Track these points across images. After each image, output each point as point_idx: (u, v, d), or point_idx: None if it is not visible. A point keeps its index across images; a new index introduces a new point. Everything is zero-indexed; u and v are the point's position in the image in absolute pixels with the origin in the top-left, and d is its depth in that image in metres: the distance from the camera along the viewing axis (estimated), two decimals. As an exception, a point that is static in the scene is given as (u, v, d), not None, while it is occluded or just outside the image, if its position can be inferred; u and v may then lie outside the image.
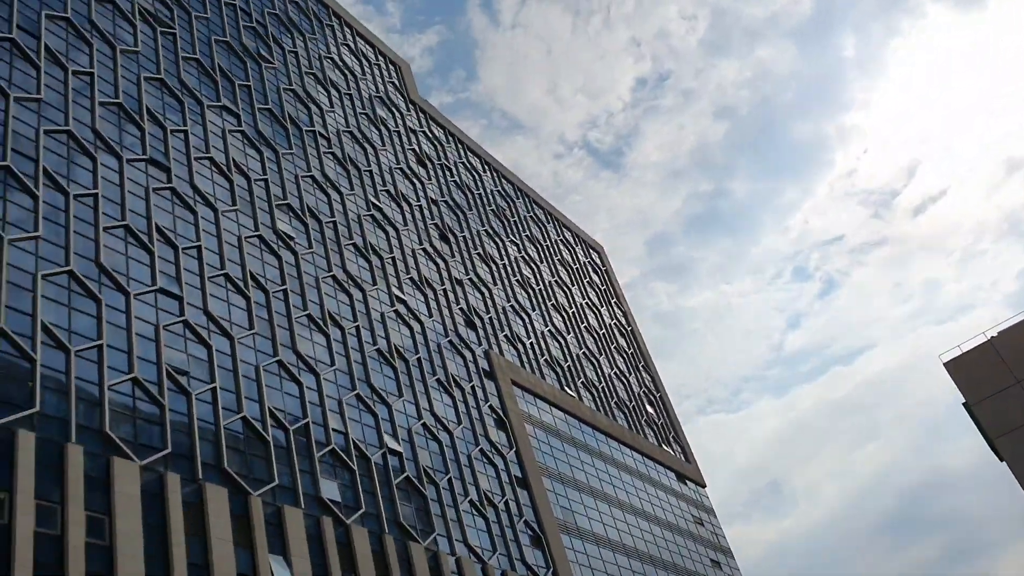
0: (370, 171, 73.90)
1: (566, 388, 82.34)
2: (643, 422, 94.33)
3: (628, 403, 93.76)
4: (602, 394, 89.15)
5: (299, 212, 60.53)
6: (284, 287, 53.66)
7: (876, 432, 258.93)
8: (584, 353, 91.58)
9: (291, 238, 57.70)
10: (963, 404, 18.04)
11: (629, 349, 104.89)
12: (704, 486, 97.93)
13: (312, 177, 64.97)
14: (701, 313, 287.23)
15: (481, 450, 62.48)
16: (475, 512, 57.35)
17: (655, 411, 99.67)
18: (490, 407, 67.32)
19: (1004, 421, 16.96)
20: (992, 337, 17.88)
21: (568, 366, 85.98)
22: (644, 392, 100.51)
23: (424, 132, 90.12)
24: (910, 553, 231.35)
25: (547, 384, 78.73)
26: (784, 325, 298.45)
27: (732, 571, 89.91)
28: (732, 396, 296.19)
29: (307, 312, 54.12)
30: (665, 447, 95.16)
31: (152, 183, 49.17)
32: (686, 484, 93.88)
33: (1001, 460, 17.12)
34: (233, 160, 57.51)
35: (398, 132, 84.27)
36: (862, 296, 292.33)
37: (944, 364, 18.14)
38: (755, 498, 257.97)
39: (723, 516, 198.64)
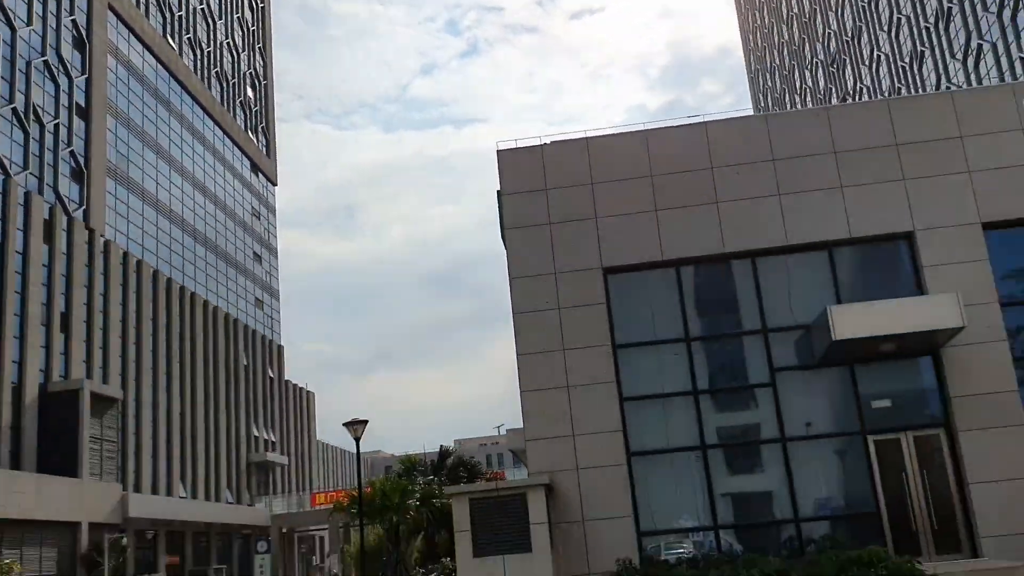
0: None
1: (169, 37, 75.54)
2: (239, 102, 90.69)
3: (230, 77, 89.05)
4: (206, 58, 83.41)
5: None
6: None
7: (457, 198, 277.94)
8: (203, 9, 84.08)
9: None
10: (497, 192, 19.66)
11: (253, 25, 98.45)
12: (275, 184, 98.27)
13: None
14: (348, 23, 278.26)
15: (46, 62, 55.69)
16: (15, 123, 51.74)
17: (255, 96, 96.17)
18: (73, 22, 59.68)
19: (518, 217, 18.83)
20: (545, 144, 19.42)
21: (180, 15, 78.54)
22: (252, 73, 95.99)
23: None
24: (445, 308, 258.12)
25: (150, 24, 71.50)
26: (418, 68, 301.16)
27: (271, 268, 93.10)
28: (344, 115, 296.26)
29: None
30: (251, 134, 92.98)
31: None
32: (258, 176, 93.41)
33: (505, 248, 19.13)
34: None
35: None
36: (497, 72, 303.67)
37: (498, 151, 19.46)
38: (328, 216, 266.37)
39: (289, 220, 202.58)
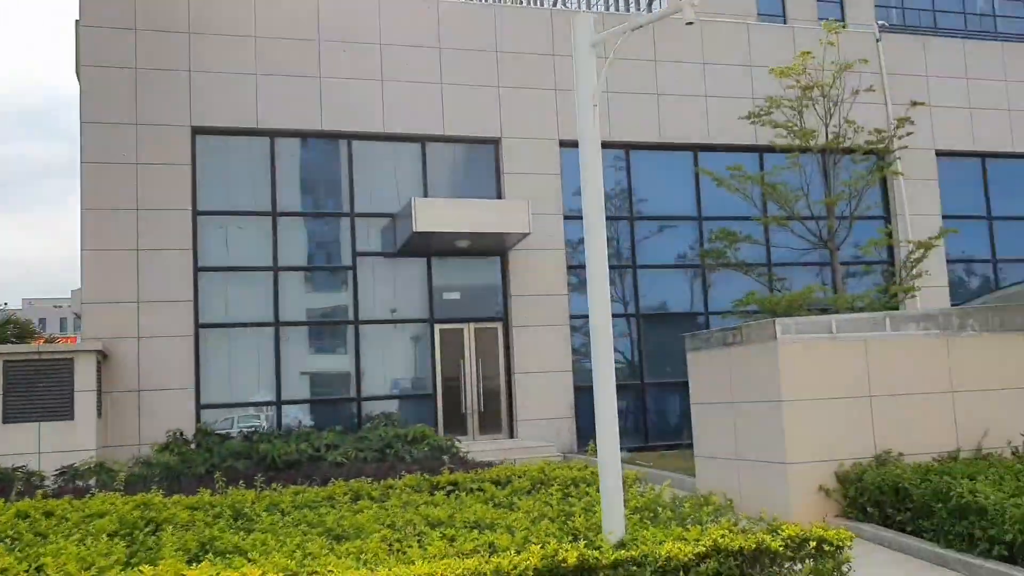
0: None
1: None
2: None
3: None
4: None
5: None
6: None
7: (64, 28, 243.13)
8: None
9: None
10: (76, 21, 17.35)
11: None
12: None
13: None
14: None
15: None
16: None
17: None
18: None
19: (98, 55, 16.87)
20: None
21: None
22: None
23: None
24: (36, 150, 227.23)
25: None
26: None
27: None
28: None
29: None
30: None
31: None
32: None
33: (79, 87, 17.05)
34: None
35: None
36: None
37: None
38: None
39: None
